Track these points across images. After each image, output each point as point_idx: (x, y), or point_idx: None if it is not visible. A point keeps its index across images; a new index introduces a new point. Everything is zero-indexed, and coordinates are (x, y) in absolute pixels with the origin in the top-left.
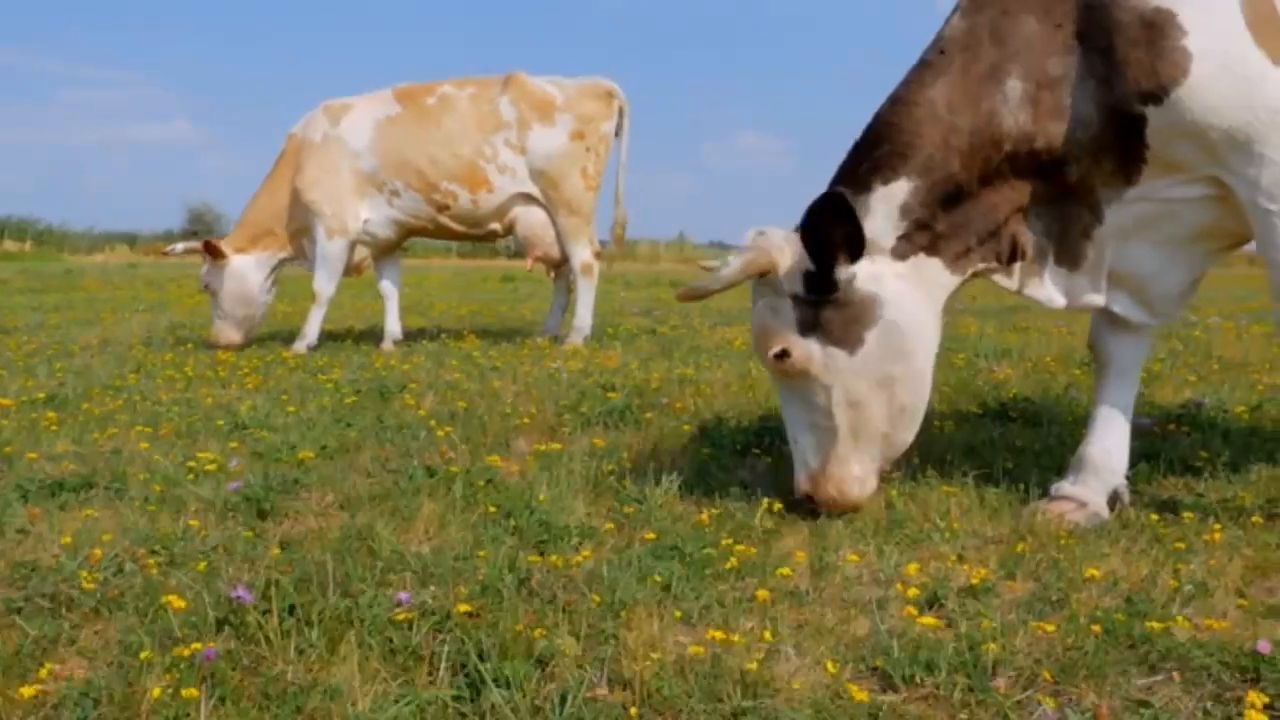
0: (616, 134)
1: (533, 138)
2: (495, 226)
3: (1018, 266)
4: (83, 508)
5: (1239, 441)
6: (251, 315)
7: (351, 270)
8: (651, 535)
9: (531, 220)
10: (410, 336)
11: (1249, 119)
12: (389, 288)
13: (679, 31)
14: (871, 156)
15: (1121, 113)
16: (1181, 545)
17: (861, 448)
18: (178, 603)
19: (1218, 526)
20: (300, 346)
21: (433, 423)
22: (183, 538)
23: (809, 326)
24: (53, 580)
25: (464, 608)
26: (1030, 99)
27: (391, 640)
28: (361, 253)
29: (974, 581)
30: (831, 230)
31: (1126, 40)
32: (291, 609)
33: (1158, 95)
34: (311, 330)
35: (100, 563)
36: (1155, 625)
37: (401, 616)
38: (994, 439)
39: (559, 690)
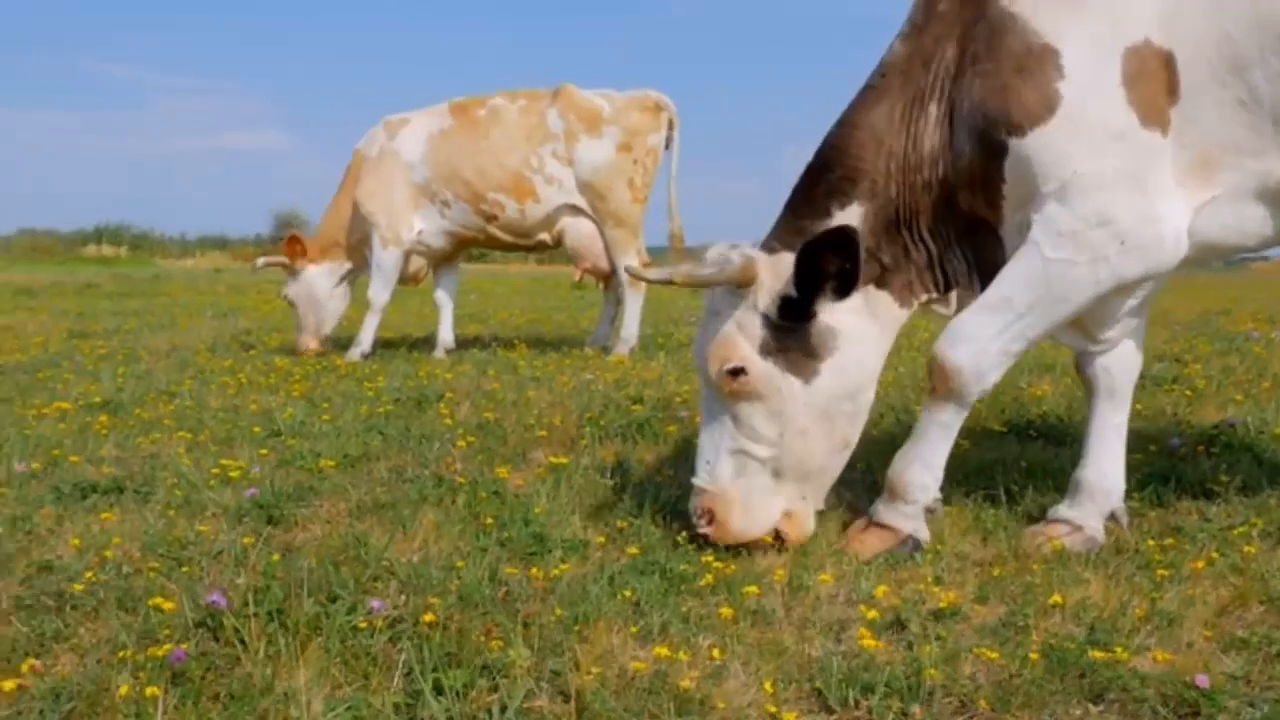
0: (666, 146)
1: (579, 149)
2: (544, 237)
3: (954, 294)
4: (109, 511)
5: (1270, 464)
6: (323, 320)
7: (409, 279)
8: (635, 550)
9: (580, 232)
10: (463, 345)
11: (1088, 169)
12: (444, 297)
13: (757, 34)
14: (825, 180)
15: (988, 140)
16: (1165, 573)
17: (790, 481)
18: (166, 605)
19: (1209, 553)
20: (354, 354)
21: (459, 432)
22: (194, 542)
23: (770, 349)
24: (58, 580)
25: (429, 617)
26: (939, 125)
27: (354, 647)
28: (418, 262)
29: (943, 605)
30: (828, 263)
31: (1010, 68)
32: (271, 614)
33: (1023, 127)
34: (366, 338)
35: (106, 564)
36: (1098, 655)
37: (364, 624)
38: (1008, 458)
39: (500, 701)
